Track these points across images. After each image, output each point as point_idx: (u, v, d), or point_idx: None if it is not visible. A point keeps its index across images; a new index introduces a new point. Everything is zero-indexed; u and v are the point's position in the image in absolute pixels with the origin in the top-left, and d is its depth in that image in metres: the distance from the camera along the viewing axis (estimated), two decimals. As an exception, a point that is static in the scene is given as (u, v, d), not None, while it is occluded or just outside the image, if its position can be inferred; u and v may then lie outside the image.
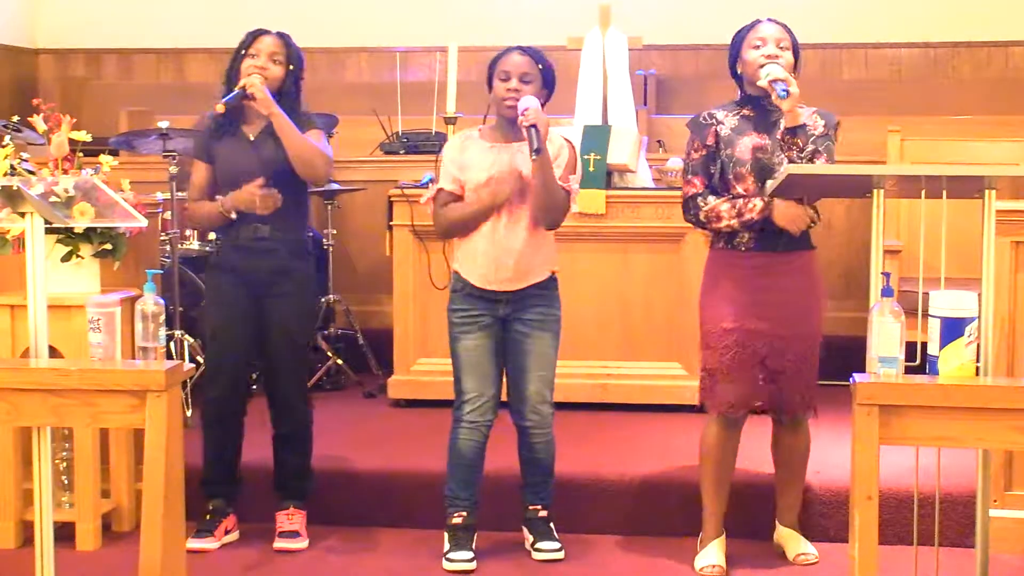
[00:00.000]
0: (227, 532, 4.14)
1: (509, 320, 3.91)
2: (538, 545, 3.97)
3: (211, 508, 4.14)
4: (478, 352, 3.91)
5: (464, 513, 3.96)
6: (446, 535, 3.97)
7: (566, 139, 3.97)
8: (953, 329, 2.97)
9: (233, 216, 3.99)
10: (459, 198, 3.93)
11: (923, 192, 3.12)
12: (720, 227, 3.77)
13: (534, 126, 3.69)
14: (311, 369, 5.68)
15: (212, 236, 5.37)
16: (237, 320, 4.04)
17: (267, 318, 4.04)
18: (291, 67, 4.04)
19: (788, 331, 3.74)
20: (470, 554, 3.91)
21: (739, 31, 3.82)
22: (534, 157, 3.71)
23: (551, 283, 3.96)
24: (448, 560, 3.91)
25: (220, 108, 3.94)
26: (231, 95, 3.94)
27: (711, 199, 3.77)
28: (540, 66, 3.87)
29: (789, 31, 3.78)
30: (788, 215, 3.68)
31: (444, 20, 8.12)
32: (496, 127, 3.96)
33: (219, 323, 4.10)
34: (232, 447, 4.14)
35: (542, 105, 3.83)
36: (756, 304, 3.75)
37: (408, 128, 6.58)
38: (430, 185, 4.06)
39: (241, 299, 4.04)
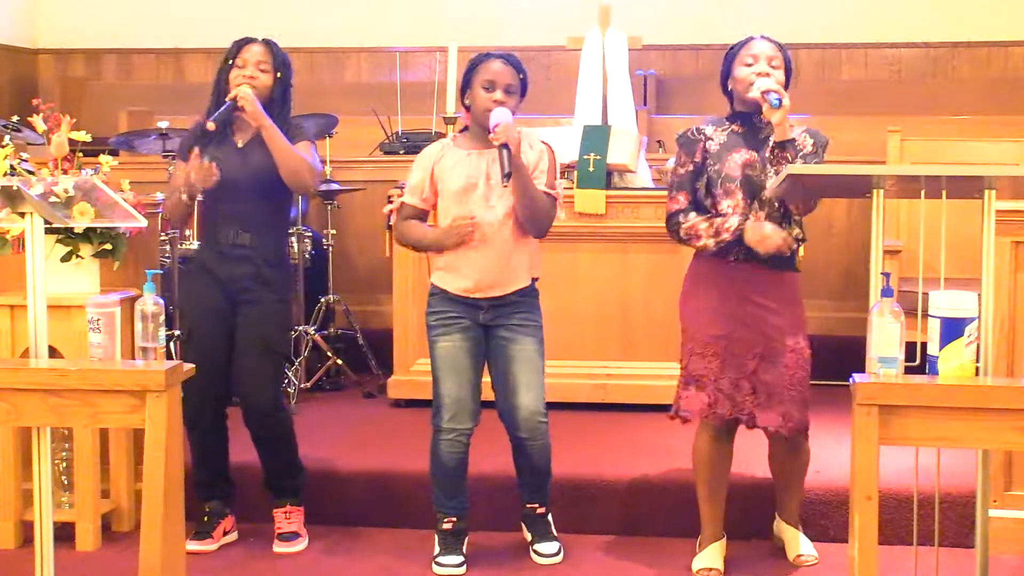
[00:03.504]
0: (225, 533, 4.15)
1: (491, 326, 3.87)
2: (537, 547, 3.97)
3: (208, 510, 4.13)
4: (455, 352, 3.86)
5: (453, 519, 3.95)
6: (436, 538, 3.96)
7: (545, 143, 3.93)
8: (953, 329, 2.97)
9: (185, 198, 3.97)
10: (421, 211, 3.94)
11: (923, 192, 3.12)
12: (699, 245, 3.76)
13: (505, 146, 3.67)
14: (310, 370, 5.71)
15: (205, 237, 5.35)
16: (211, 323, 4.03)
17: (239, 322, 4.03)
18: (278, 75, 4.03)
19: (778, 345, 3.72)
20: (459, 558, 3.90)
21: (731, 48, 3.81)
22: (505, 184, 3.70)
23: (532, 290, 3.92)
24: (437, 564, 3.90)
25: (211, 126, 3.94)
26: (221, 110, 3.94)
27: (692, 216, 3.77)
28: (520, 75, 3.86)
29: (782, 49, 3.76)
30: (757, 236, 3.66)
31: (444, 20, 8.13)
32: (471, 134, 3.92)
33: (193, 327, 4.10)
34: (217, 450, 4.12)
35: (515, 107, 3.82)
36: (743, 314, 3.73)
37: (408, 128, 6.59)
38: (393, 197, 4.04)
39: (216, 301, 4.03)
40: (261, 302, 4.02)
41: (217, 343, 4.03)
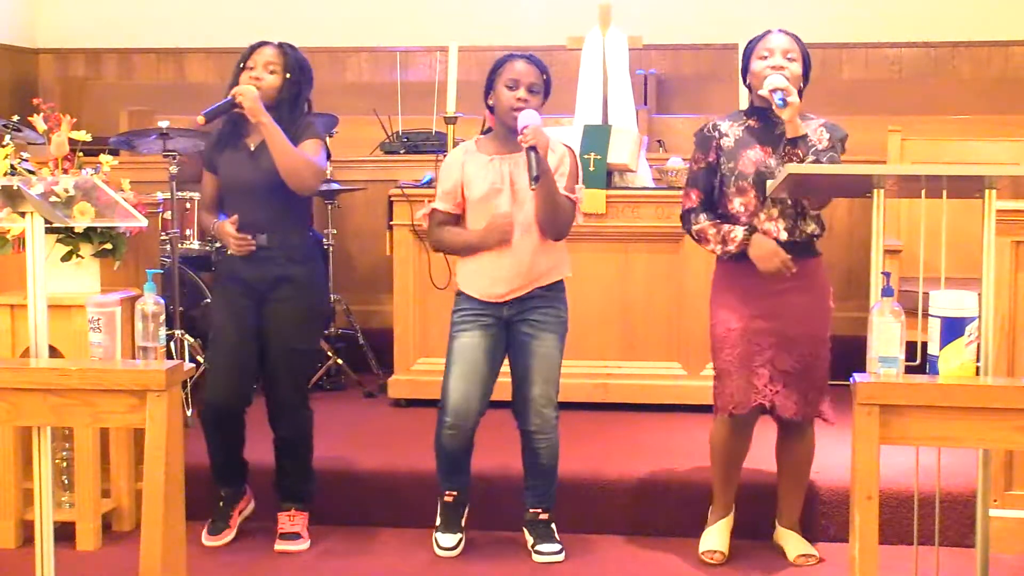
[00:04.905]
0: (241, 512, 4.20)
1: (513, 322, 3.90)
2: (538, 547, 3.97)
3: (223, 495, 4.17)
4: (472, 348, 3.89)
5: (455, 492, 4.02)
6: (438, 510, 4.03)
7: (567, 146, 3.93)
8: (953, 329, 2.97)
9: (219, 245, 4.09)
10: (454, 216, 3.94)
11: (923, 192, 3.12)
12: (707, 248, 3.80)
13: (534, 148, 3.67)
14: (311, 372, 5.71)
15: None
16: (238, 324, 4.04)
17: (266, 323, 4.04)
18: (288, 75, 4.03)
19: (794, 331, 3.74)
20: (456, 538, 3.98)
21: (750, 41, 3.82)
22: (533, 187, 3.70)
23: (557, 285, 3.94)
24: (436, 544, 3.99)
25: (200, 120, 3.96)
26: (216, 105, 3.95)
27: (702, 217, 3.79)
28: (544, 76, 3.87)
29: (799, 41, 3.77)
30: (760, 253, 3.69)
31: (444, 20, 8.12)
32: (495, 137, 3.94)
33: (219, 326, 4.11)
34: (235, 445, 4.15)
35: (539, 107, 3.83)
36: (762, 306, 3.75)
37: (408, 128, 6.59)
38: (425, 202, 4.05)
39: (243, 303, 4.04)
40: (287, 300, 4.03)
41: (242, 342, 4.03)
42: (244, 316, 4.04)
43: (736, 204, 3.75)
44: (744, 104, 4.24)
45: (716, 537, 3.94)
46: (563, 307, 3.95)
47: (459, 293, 3.97)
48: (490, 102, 3.90)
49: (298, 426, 4.11)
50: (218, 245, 4.20)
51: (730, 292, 3.81)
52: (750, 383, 3.75)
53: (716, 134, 3.81)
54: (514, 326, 3.90)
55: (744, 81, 3.87)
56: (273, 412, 4.10)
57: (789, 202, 3.71)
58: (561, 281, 3.96)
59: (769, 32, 3.80)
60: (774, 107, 3.61)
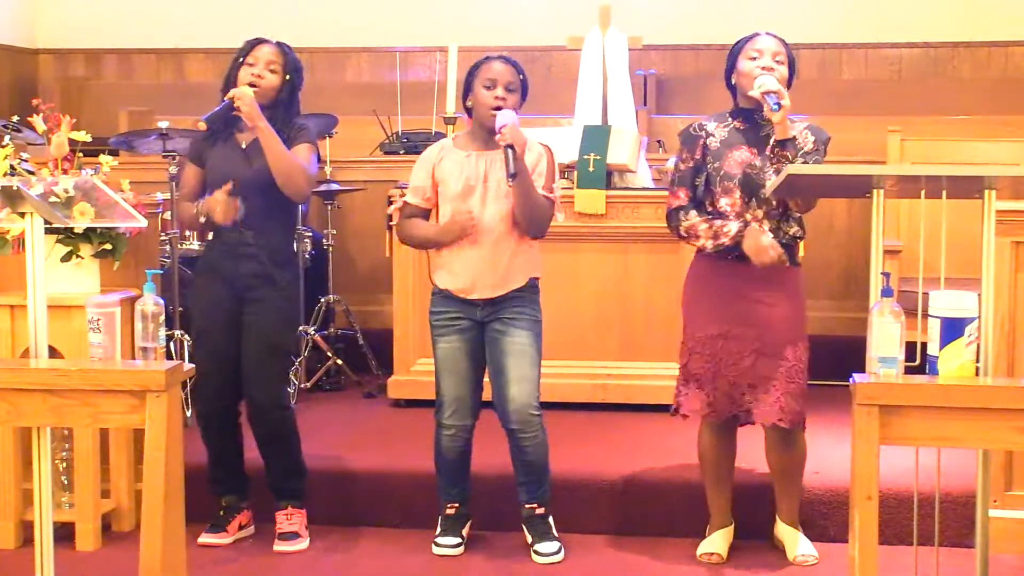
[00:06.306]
0: (241, 527, 4.18)
1: (487, 322, 3.91)
2: (537, 547, 3.97)
3: (224, 504, 4.16)
4: (455, 354, 3.93)
5: (456, 504, 4.04)
6: (439, 521, 4.04)
7: (544, 145, 3.96)
8: (953, 329, 2.97)
9: (202, 220, 4.00)
10: (425, 211, 3.97)
11: (923, 192, 3.12)
12: (697, 244, 3.80)
13: (511, 147, 3.70)
14: (310, 370, 5.71)
15: (211, 236, 5.37)
16: (219, 322, 4.04)
17: (244, 320, 4.04)
18: (287, 77, 4.04)
19: (775, 339, 3.73)
20: (457, 539, 3.99)
21: (737, 42, 3.82)
22: (510, 183, 3.73)
23: (529, 287, 3.94)
24: (436, 544, 3.99)
25: (202, 125, 3.97)
26: (216, 109, 3.95)
27: (692, 214, 3.79)
28: (520, 76, 3.89)
29: (786, 45, 3.79)
30: (754, 246, 3.68)
31: (444, 20, 8.13)
32: (472, 134, 3.96)
33: (202, 327, 4.12)
34: (231, 447, 4.15)
35: (516, 106, 3.85)
36: (741, 311, 3.75)
37: (408, 128, 6.59)
38: (394, 197, 4.08)
39: (222, 301, 4.04)
40: (266, 300, 4.03)
41: (226, 342, 4.04)
42: (224, 311, 4.03)
43: (722, 204, 3.75)
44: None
45: (714, 542, 3.93)
46: (536, 307, 3.95)
47: (434, 292, 3.99)
48: (468, 103, 3.93)
49: (275, 425, 4.08)
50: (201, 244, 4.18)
51: (708, 291, 3.80)
52: (726, 392, 3.75)
53: (703, 133, 3.81)
54: (488, 326, 3.92)
55: (728, 82, 3.85)
56: (250, 412, 4.09)
57: (774, 203, 3.71)
58: (534, 283, 3.96)
59: (757, 34, 3.80)
60: (767, 110, 3.61)
